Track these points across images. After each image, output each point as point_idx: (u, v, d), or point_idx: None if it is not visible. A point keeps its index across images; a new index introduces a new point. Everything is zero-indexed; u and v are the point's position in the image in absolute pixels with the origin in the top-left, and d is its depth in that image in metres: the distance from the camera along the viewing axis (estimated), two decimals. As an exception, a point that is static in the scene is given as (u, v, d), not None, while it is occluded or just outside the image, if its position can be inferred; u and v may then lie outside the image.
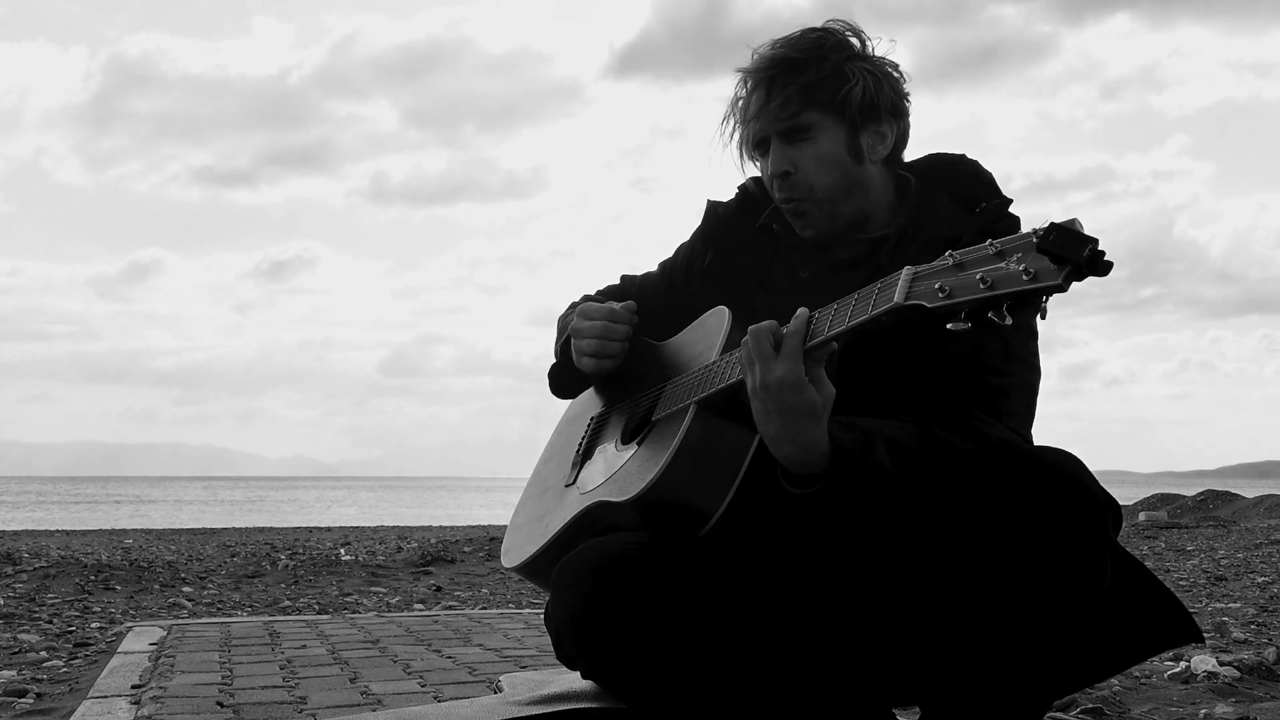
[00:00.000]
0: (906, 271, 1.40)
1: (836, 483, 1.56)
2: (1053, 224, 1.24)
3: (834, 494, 1.56)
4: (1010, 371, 1.71)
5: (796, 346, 1.51)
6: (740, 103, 1.85)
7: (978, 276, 1.30)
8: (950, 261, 1.35)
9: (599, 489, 1.86)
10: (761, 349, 1.53)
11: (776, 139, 1.81)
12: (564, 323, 2.09)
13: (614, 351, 1.94)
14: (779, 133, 1.80)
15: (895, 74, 1.84)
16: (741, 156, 1.92)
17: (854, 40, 1.82)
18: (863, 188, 1.83)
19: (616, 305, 1.96)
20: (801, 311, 1.54)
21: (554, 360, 2.12)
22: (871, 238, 1.82)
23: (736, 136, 1.89)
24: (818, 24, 1.85)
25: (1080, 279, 1.24)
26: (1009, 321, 1.30)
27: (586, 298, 2.18)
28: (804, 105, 1.78)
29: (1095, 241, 1.22)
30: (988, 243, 1.32)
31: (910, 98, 1.86)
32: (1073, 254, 1.22)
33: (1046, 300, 1.28)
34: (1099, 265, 1.22)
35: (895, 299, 1.39)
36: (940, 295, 1.33)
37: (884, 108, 1.81)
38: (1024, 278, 1.26)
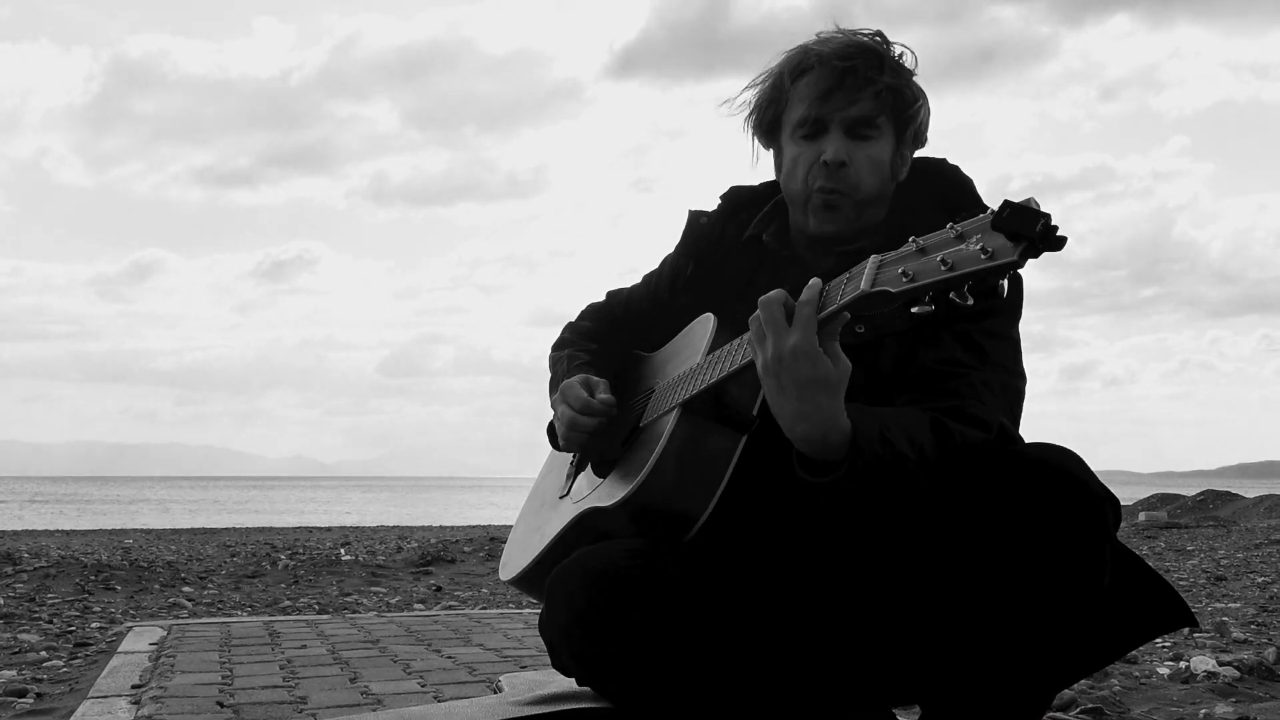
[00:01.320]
0: (872, 260, 1.41)
1: (859, 464, 1.50)
2: (1006, 202, 1.26)
3: (857, 478, 1.51)
4: (990, 371, 1.71)
5: (810, 315, 1.47)
6: (798, 78, 1.80)
7: (939, 259, 1.31)
8: (914, 247, 1.36)
9: (589, 496, 1.87)
10: (773, 318, 1.49)
11: (839, 128, 1.78)
12: (555, 370, 2.08)
13: (582, 442, 1.94)
14: (847, 123, 1.77)
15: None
16: (752, 136, 1.90)
17: (907, 61, 1.82)
18: (885, 200, 1.83)
19: (595, 397, 1.90)
20: (814, 281, 1.50)
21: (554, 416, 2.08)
22: (850, 250, 1.80)
23: (768, 113, 1.85)
24: (827, 26, 1.83)
25: (1036, 255, 1.25)
26: (970, 302, 1.31)
27: (572, 327, 2.17)
28: (879, 107, 1.77)
29: (1048, 217, 1.24)
30: (948, 226, 1.33)
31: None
32: (1026, 230, 1.24)
33: (1004, 279, 1.30)
34: (1052, 240, 1.24)
35: (862, 287, 1.40)
36: (904, 280, 1.34)
37: (922, 135, 1.83)
38: (982, 257, 1.27)
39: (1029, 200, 1.25)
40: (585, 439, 1.92)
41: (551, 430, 2.08)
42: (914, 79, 1.81)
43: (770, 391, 1.51)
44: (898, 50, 1.81)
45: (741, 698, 1.67)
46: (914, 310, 1.34)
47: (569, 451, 2.02)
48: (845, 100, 1.76)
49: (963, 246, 1.30)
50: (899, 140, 1.80)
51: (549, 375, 2.11)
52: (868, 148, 1.78)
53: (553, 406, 2.03)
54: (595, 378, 1.95)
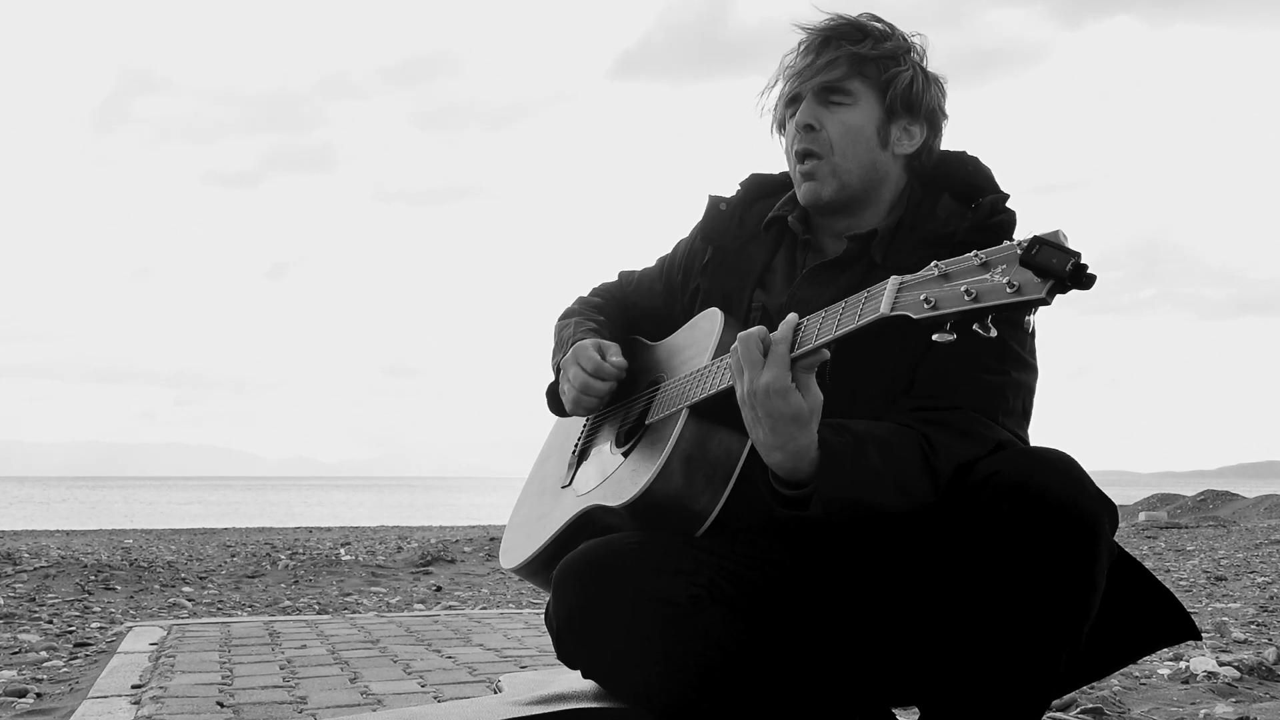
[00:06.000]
0: (893, 282, 1.41)
1: (827, 485, 1.55)
2: (1036, 237, 1.25)
3: (825, 498, 1.56)
4: (1006, 370, 1.70)
5: (783, 353, 1.52)
6: (789, 60, 1.84)
7: (963, 288, 1.30)
8: (935, 272, 1.35)
9: (594, 492, 1.87)
10: (750, 355, 1.54)
11: (811, 96, 1.80)
12: (561, 336, 2.08)
13: (590, 406, 1.95)
14: (815, 90, 1.80)
15: (940, 86, 1.86)
16: (771, 129, 1.91)
17: (917, 42, 1.84)
18: (877, 172, 1.82)
19: (609, 361, 1.92)
20: (790, 317, 1.54)
21: (552, 379, 2.10)
22: (864, 233, 1.82)
23: (775, 96, 1.88)
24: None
25: (1064, 292, 1.24)
26: (994, 334, 1.31)
27: (582, 300, 2.17)
28: (850, 72, 1.79)
29: (1078, 255, 1.22)
30: (973, 254, 1.33)
31: (948, 115, 1.87)
32: (1056, 268, 1.23)
33: (1033, 313, 1.29)
34: (1082, 279, 1.23)
35: (881, 310, 1.40)
36: (925, 306, 1.34)
37: (923, 107, 1.82)
38: (1008, 290, 1.26)
39: (1057, 233, 1.24)
40: (596, 404, 1.93)
41: (552, 393, 2.09)
42: (908, 53, 1.81)
43: (747, 420, 1.56)
44: (904, 33, 1.82)
45: (742, 695, 1.67)
46: (935, 338, 1.34)
47: (578, 416, 2.00)
48: (816, 69, 1.80)
49: (987, 277, 1.29)
50: (887, 109, 1.80)
51: (553, 343, 2.10)
52: (841, 113, 1.80)
53: (555, 369, 2.05)
54: (606, 341, 1.97)
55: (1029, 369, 1.75)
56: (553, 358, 2.08)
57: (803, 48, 1.83)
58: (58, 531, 17.96)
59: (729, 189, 2.03)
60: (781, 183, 1.97)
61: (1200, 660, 3.32)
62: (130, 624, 4.61)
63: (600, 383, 1.91)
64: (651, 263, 2.15)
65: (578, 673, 1.83)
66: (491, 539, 10.97)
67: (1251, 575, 7.59)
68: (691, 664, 1.65)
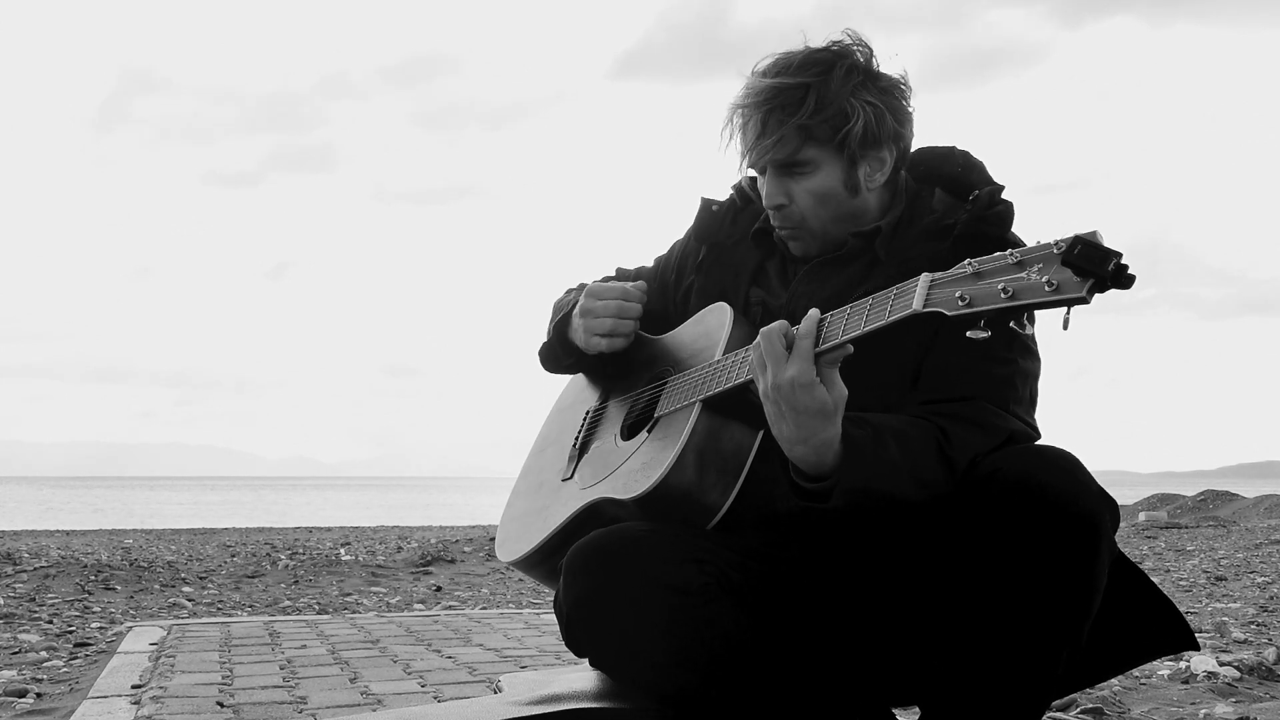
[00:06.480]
0: (924, 279, 1.41)
1: (850, 477, 1.56)
2: (1077, 236, 1.25)
3: (847, 489, 1.56)
4: (1013, 359, 1.71)
5: (808, 348, 1.52)
6: (738, 124, 1.80)
7: (999, 286, 1.31)
8: (969, 270, 1.36)
9: (602, 484, 1.86)
10: (774, 350, 1.54)
11: (772, 169, 1.79)
12: (561, 306, 2.10)
13: (628, 330, 1.96)
14: (777, 164, 1.78)
15: (898, 96, 1.78)
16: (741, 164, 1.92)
17: (859, 57, 1.76)
18: (856, 211, 1.81)
19: (628, 285, 1.97)
20: (813, 313, 1.55)
21: (546, 339, 2.12)
22: (865, 230, 1.82)
23: (735, 149, 1.85)
24: (819, 40, 1.78)
25: (1104, 291, 1.25)
26: (1029, 330, 1.31)
27: (584, 286, 2.18)
28: (802, 142, 1.75)
29: (1120, 255, 1.23)
30: (1007, 252, 1.33)
31: (914, 111, 1.82)
32: (1097, 268, 1.23)
33: (1069, 311, 1.29)
34: (1123, 279, 1.23)
35: (914, 306, 1.40)
36: (960, 303, 1.34)
37: (885, 136, 1.77)
38: (1046, 289, 1.27)
39: (1095, 233, 1.24)
40: (632, 329, 1.95)
41: (546, 353, 2.12)
42: (853, 92, 1.74)
43: (770, 415, 1.56)
44: (846, 57, 1.75)
45: (745, 692, 1.67)
46: (969, 334, 1.34)
47: (614, 349, 1.96)
48: (768, 145, 1.76)
49: (1023, 275, 1.29)
50: (848, 160, 1.76)
51: (550, 319, 2.11)
52: (805, 182, 1.78)
53: (555, 327, 2.07)
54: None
55: (1034, 356, 1.76)
56: (550, 323, 2.10)
57: (745, 123, 1.78)
58: (58, 531, 17.95)
59: (726, 191, 2.03)
60: None
61: (1200, 660, 3.32)
62: (130, 624, 4.61)
63: (634, 305, 1.94)
64: (648, 262, 2.16)
65: (578, 673, 1.83)
66: (491, 539, 10.96)
67: (1251, 575, 7.60)
68: (699, 653, 1.65)
